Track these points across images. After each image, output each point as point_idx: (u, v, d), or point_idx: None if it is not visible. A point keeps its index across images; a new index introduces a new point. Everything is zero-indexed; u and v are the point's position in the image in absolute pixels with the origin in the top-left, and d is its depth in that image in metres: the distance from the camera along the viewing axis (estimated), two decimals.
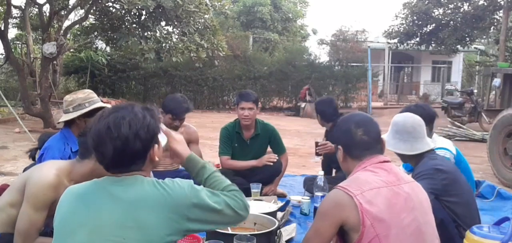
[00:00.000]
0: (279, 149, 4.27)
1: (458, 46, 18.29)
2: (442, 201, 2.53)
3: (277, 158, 4.13)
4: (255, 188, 3.83)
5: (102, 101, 3.11)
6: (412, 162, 2.71)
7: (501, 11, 15.25)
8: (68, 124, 2.97)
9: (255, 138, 4.18)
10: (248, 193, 3.84)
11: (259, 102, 4.31)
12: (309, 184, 4.06)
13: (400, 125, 2.62)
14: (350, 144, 1.97)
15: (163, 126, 1.75)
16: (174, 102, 3.82)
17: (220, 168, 4.21)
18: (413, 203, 1.82)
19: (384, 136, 2.51)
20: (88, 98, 2.93)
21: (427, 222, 1.86)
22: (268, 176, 4.12)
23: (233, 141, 4.17)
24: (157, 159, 1.62)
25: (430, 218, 1.89)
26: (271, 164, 4.05)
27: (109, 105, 3.42)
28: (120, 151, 1.52)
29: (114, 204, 1.51)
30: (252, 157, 4.16)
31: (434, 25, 18.02)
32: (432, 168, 2.50)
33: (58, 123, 3.18)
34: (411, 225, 1.77)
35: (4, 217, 2.22)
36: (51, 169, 2.20)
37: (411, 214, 1.79)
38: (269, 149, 4.34)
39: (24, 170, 3.37)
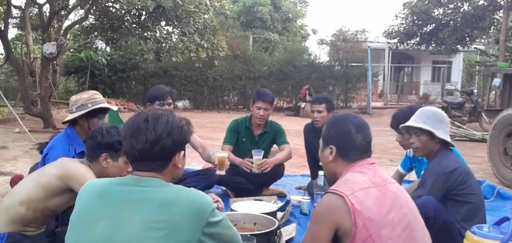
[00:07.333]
0: (282, 140, 4.32)
1: (458, 46, 18.31)
2: (452, 197, 2.62)
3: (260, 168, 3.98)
4: (257, 154, 3.92)
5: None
6: (428, 151, 2.78)
7: (501, 11, 15.27)
8: (72, 124, 2.97)
9: (263, 135, 4.31)
10: (248, 193, 3.92)
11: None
12: (310, 186, 4.05)
13: (430, 111, 2.80)
14: (348, 147, 1.93)
15: None
16: (157, 89, 4.00)
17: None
18: (400, 202, 1.84)
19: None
20: (92, 99, 2.93)
21: (416, 218, 1.88)
22: (269, 179, 4.21)
23: (241, 134, 4.28)
24: (180, 166, 1.66)
25: (418, 214, 1.92)
26: (248, 170, 3.98)
27: (114, 107, 3.43)
28: (152, 143, 1.56)
29: (142, 204, 1.50)
30: None
31: (434, 25, 18.05)
32: (446, 167, 2.62)
33: (63, 122, 3.18)
34: (401, 223, 1.79)
35: (12, 214, 2.22)
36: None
37: (400, 212, 1.81)
38: (273, 148, 4.45)
39: (30, 170, 3.36)
